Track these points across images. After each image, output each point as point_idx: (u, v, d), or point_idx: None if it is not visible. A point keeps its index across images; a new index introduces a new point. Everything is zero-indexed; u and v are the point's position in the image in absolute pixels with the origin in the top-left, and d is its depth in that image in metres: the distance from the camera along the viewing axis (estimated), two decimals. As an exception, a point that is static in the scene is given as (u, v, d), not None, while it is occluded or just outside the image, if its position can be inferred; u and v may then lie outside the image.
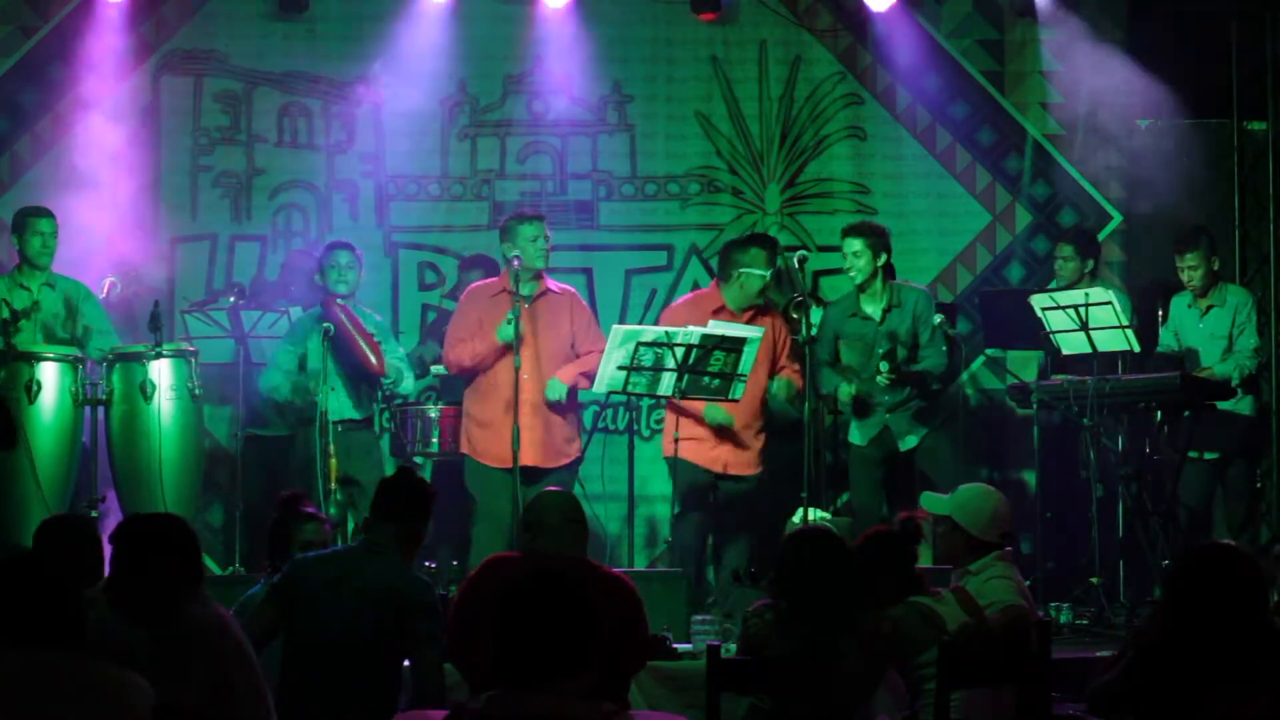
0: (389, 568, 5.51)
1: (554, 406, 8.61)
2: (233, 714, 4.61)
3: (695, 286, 10.02)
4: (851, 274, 8.75)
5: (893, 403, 8.66)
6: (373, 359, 8.71)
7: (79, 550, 5.53)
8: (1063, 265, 9.42)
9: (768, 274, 8.69)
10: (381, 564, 5.51)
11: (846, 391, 8.66)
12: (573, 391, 8.71)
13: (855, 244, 8.69)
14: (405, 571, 5.59)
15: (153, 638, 4.69)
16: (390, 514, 5.61)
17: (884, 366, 8.49)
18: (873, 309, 8.75)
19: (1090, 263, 9.38)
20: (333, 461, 8.48)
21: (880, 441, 8.74)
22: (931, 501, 6.28)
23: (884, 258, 8.74)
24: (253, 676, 4.72)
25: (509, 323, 8.33)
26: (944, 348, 8.73)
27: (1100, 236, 10.13)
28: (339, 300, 8.71)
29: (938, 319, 8.68)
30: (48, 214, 8.86)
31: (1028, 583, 6.37)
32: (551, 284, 8.76)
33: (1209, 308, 9.10)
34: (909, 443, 8.71)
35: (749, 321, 8.65)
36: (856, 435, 8.82)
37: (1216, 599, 4.42)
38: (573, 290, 8.97)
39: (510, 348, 8.40)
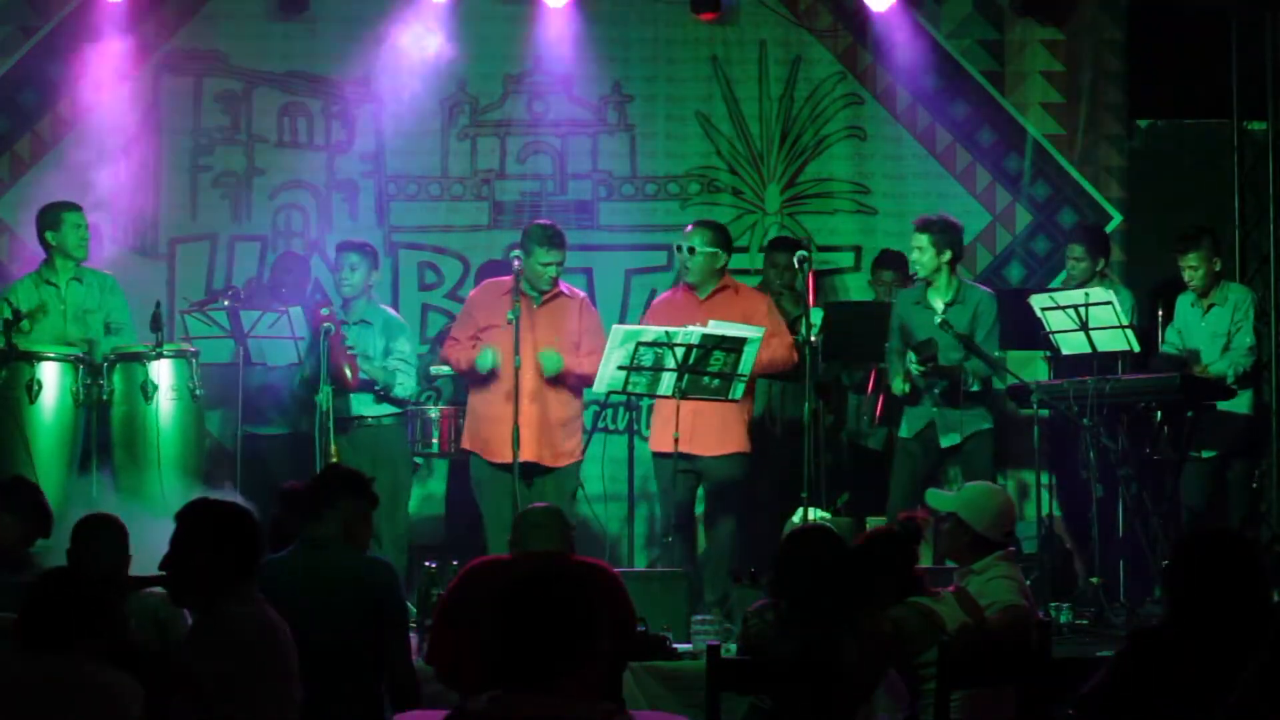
0: (347, 558, 5.44)
1: (556, 404, 8.60)
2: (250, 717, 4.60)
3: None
4: (916, 269, 8.79)
5: (938, 395, 8.66)
6: (348, 375, 8.70)
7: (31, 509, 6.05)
8: (1074, 265, 9.40)
9: (706, 251, 8.63)
10: (338, 557, 5.42)
11: (899, 385, 8.71)
12: (576, 392, 8.70)
13: (920, 239, 8.75)
14: (365, 558, 5.53)
15: (193, 625, 4.70)
16: (320, 504, 5.52)
17: (912, 357, 8.51)
18: (936, 301, 8.78)
19: (1101, 261, 9.39)
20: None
21: (925, 437, 8.73)
22: (937, 499, 6.26)
23: (948, 254, 8.76)
24: (281, 686, 4.68)
25: (516, 318, 8.32)
26: (995, 353, 8.71)
27: (1100, 236, 10.13)
28: (325, 310, 8.71)
29: (938, 319, 8.68)
30: (78, 207, 8.93)
31: (1028, 583, 6.37)
32: (563, 287, 8.76)
33: (1210, 306, 9.10)
34: (951, 440, 8.68)
35: (713, 296, 8.66)
36: (904, 428, 8.84)
37: (1216, 581, 4.39)
38: (584, 295, 8.98)
39: (492, 375, 8.46)
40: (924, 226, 8.77)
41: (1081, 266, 9.36)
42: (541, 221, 8.90)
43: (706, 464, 8.59)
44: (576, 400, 8.73)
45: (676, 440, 8.13)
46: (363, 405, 8.90)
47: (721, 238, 8.77)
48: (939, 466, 8.77)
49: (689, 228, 8.86)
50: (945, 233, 8.76)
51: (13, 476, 7.34)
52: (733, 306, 8.61)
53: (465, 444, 8.74)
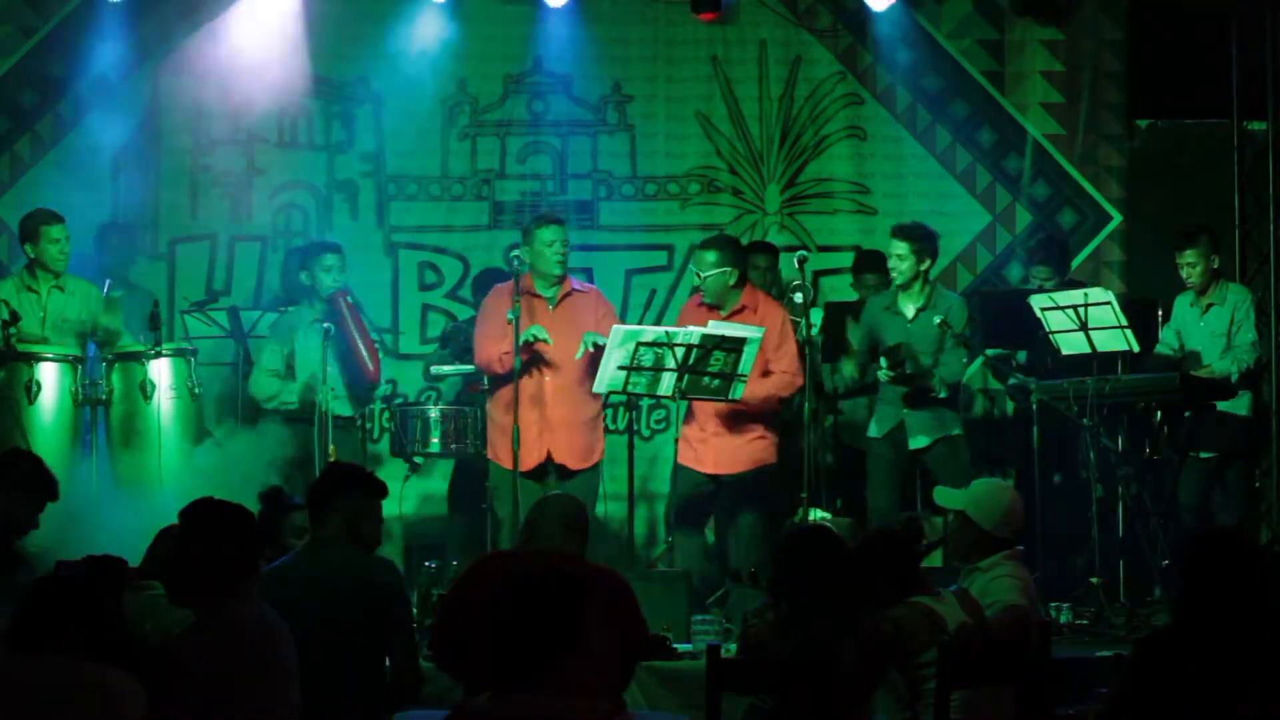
0: (351, 558, 5.41)
1: (576, 406, 8.58)
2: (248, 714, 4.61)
3: (695, 286, 10.04)
4: (894, 275, 8.80)
5: (901, 393, 8.70)
6: (369, 365, 8.71)
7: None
8: (1045, 283, 9.41)
9: (712, 274, 8.63)
10: (342, 556, 5.39)
11: (849, 367, 8.89)
12: (595, 393, 8.68)
13: (900, 247, 8.75)
14: (368, 558, 5.48)
15: (193, 625, 4.70)
16: (319, 506, 5.51)
17: (884, 362, 8.54)
18: (908, 308, 8.79)
19: (1066, 272, 9.44)
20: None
21: (894, 437, 8.76)
22: (945, 496, 6.25)
23: (929, 263, 8.78)
24: (281, 686, 4.68)
25: (515, 318, 8.32)
26: (964, 359, 8.74)
27: (1100, 237, 10.15)
28: (347, 298, 8.73)
29: (937, 319, 8.68)
30: (59, 219, 8.81)
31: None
32: (575, 284, 8.76)
33: (1209, 306, 9.10)
34: (919, 442, 8.72)
35: (734, 315, 8.65)
36: (874, 428, 8.89)
37: (1224, 584, 4.37)
38: (596, 289, 8.99)
39: (529, 345, 8.40)
40: (905, 235, 8.79)
41: (1050, 285, 9.36)
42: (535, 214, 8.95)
43: (733, 479, 8.68)
44: (596, 400, 8.70)
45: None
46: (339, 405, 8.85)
47: (729, 255, 8.72)
48: (911, 467, 8.81)
49: (697, 249, 8.87)
50: (926, 241, 8.80)
51: (8, 450, 7.30)
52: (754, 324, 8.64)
53: (489, 453, 8.72)
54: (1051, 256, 9.59)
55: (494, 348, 8.54)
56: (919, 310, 8.77)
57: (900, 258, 8.75)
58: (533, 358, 8.45)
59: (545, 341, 8.40)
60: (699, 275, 8.71)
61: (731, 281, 8.68)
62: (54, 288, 8.78)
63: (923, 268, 8.77)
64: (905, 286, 8.79)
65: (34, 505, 6.60)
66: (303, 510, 6.27)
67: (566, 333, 8.57)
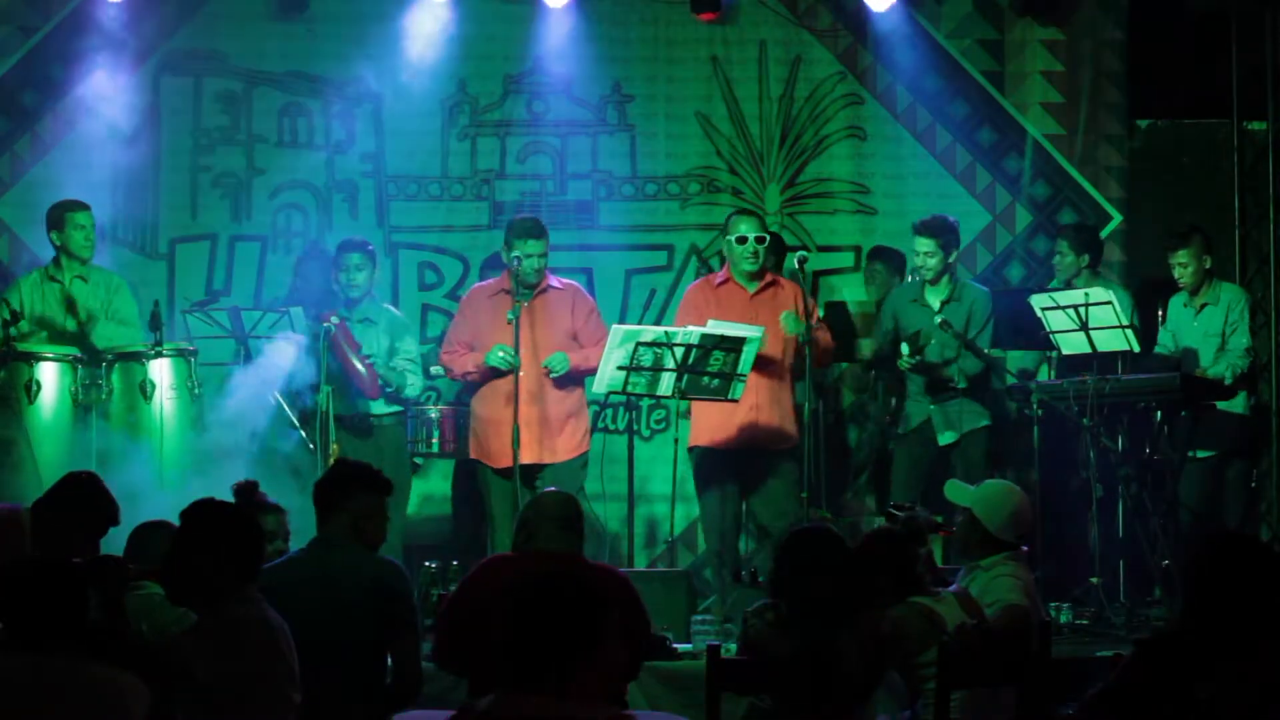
0: (357, 558, 5.40)
1: (555, 401, 8.59)
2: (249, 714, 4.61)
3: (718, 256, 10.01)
4: (924, 272, 8.85)
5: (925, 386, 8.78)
6: (365, 381, 8.72)
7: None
8: (1059, 260, 9.47)
9: (749, 236, 8.64)
10: (347, 556, 5.39)
11: (866, 346, 9.03)
12: (577, 386, 8.69)
13: (927, 244, 8.83)
14: (375, 558, 5.48)
15: (194, 626, 4.71)
16: (326, 504, 5.49)
17: (905, 349, 8.58)
18: (934, 299, 8.85)
19: (1086, 257, 9.38)
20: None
21: (923, 434, 8.85)
22: (955, 491, 6.27)
23: (954, 255, 8.84)
24: (281, 687, 4.70)
25: (504, 353, 8.35)
26: (987, 350, 8.77)
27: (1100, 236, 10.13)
28: (336, 315, 8.71)
29: (938, 319, 8.70)
30: (85, 207, 8.92)
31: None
32: (553, 280, 8.77)
33: (1203, 306, 9.12)
34: (947, 438, 8.80)
35: (762, 290, 8.67)
36: (902, 425, 9.01)
37: (1238, 588, 4.37)
38: (575, 285, 8.97)
39: (497, 373, 8.44)
40: (930, 231, 8.84)
41: (1066, 262, 9.40)
42: (520, 215, 8.93)
43: (771, 457, 8.64)
44: (576, 393, 8.72)
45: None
46: (365, 403, 8.88)
47: (764, 224, 8.88)
48: (940, 461, 8.84)
49: (733, 217, 8.90)
50: (950, 234, 8.89)
51: (67, 474, 7.02)
52: (781, 300, 8.65)
53: (472, 453, 8.74)
54: (1070, 234, 9.54)
55: (459, 362, 8.66)
56: (944, 303, 8.85)
57: (928, 255, 8.82)
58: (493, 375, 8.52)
59: (512, 364, 8.38)
60: (747, 240, 8.62)
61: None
62: (77, 277, 8.83)
63: (950, 261, 8.84)
64: (934, 281, 8.84)
65: (93, 531, 6.11)
66: (275, 513, 6.23)
67: (541, 328, 8.60)
